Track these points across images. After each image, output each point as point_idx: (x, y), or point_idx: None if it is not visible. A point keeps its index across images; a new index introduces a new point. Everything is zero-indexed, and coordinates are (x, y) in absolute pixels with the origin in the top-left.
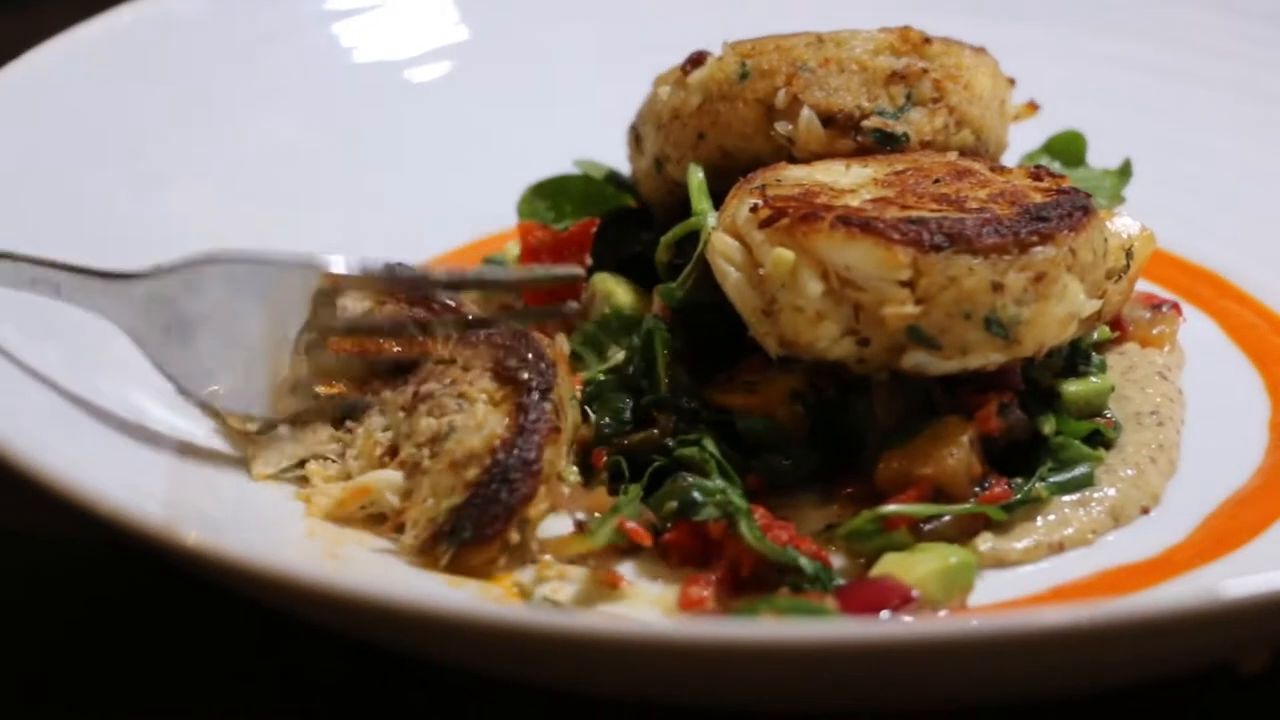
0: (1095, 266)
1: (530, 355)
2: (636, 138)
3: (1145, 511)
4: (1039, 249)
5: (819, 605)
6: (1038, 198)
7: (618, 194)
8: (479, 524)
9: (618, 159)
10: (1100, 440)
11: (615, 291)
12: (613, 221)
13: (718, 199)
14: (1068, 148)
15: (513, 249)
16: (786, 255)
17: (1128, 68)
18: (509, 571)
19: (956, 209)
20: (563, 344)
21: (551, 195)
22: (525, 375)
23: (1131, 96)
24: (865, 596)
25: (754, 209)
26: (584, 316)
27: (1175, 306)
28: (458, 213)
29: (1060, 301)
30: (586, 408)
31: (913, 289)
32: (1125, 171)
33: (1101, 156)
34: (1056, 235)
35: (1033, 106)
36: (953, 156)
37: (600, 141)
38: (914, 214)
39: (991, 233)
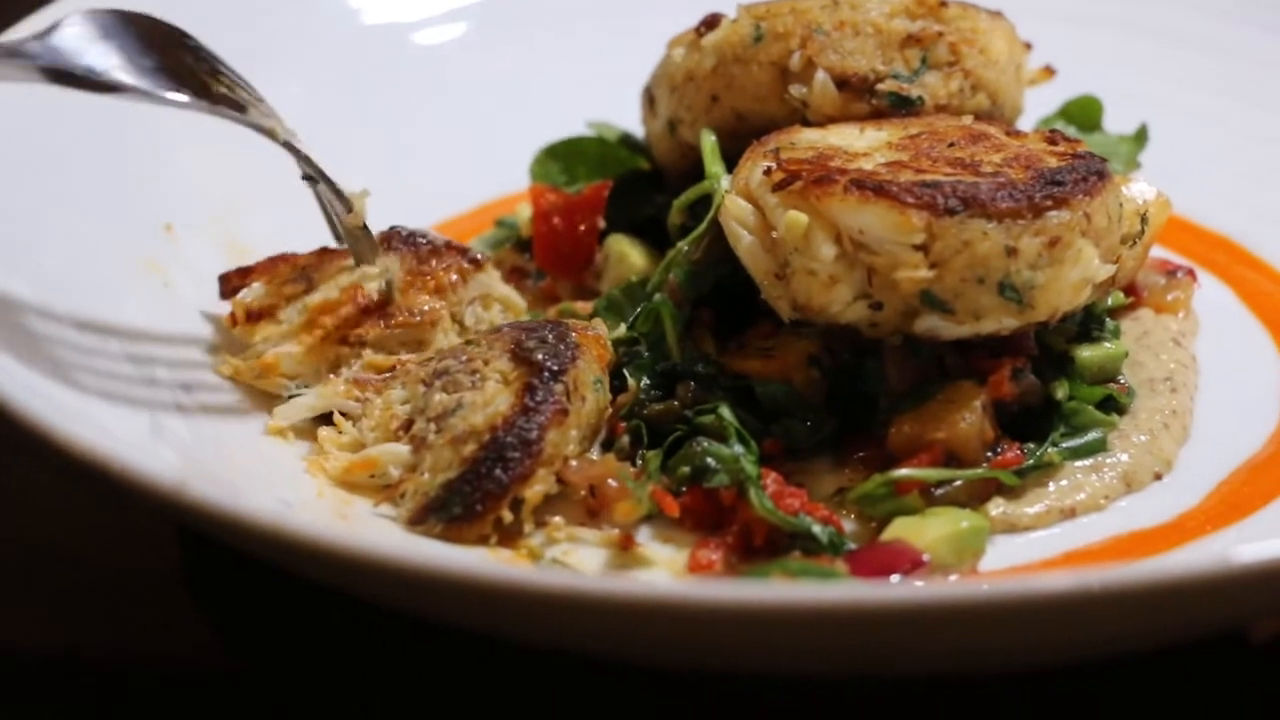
0: (1110, 231)
1: (550, 338)
2: (650, 100)
3: (1158, 477)
4: (1053, 213)
5: (829, 569)
6: (1053, 162)
7: (631, 156)
8: (469, 501)
9: (631, 121)
10: (1114, 406)
11: (629, 253)
12: (626, 184)
13: (731, 162)
14: (1084, 112)
15: (525, 211)
16: (800, 218)
17: (1144, 32)
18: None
19: (971, 173)
20: (602, 330)
21: (564, 157)
22: (539, 356)
23: (1148, 61)
24: (875, 560)
25: (767, 172)
26: (597, 278)
27: (1190, 272)
28: (469, 175)
29: (1074, 266)
30: (625, 370)
31: (926, 253)
32: (1141, 137)
33: (1118, 122)
34: (1071, 200)
35: (1049, 71)
36: (968, 120)
37: (614, 103)
38: (928, 178)
39: (1006, 197)
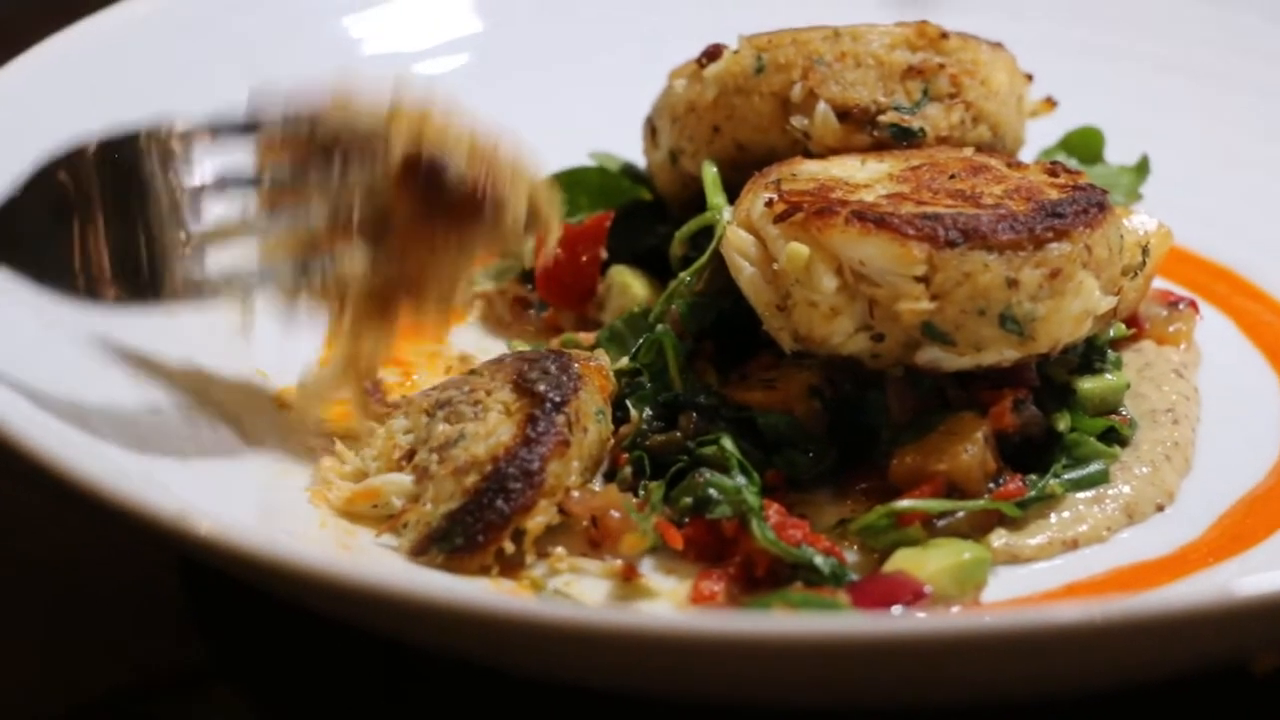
0: (1111, 263)
1: (553, 368)
2: (652, 131)
3: (1160, 509)
4: (1054, 245)
5: (830, 600)
6: (1054, 194)
7: (633, 186)
8: (471, 532)
9: (633, 152)
10: (1115, 437)
11: (632, 284)
12: (628, 214)
13: (732, 193)
14: (1085, 144)
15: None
16: (801, 250)
17: (1145, 64)
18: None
19: (972, 205)
20: (604, 361)
21: (566, 188)
22: (541, 387)
23: (1149, 93)
24: (877, 591)
25: (769, 203)
26: (600, 309)
27: (1192, 304)
28: None
29: (1075, 298)
30: (628, 401)
31: (927, 285)
32: (1143, 168)
33: (1119, 153)
34: (1072, 231)
35: (1050, 103)
36: (969, 152)
37: (616, 134)
38: (929, 209)
39: (1007, 229)
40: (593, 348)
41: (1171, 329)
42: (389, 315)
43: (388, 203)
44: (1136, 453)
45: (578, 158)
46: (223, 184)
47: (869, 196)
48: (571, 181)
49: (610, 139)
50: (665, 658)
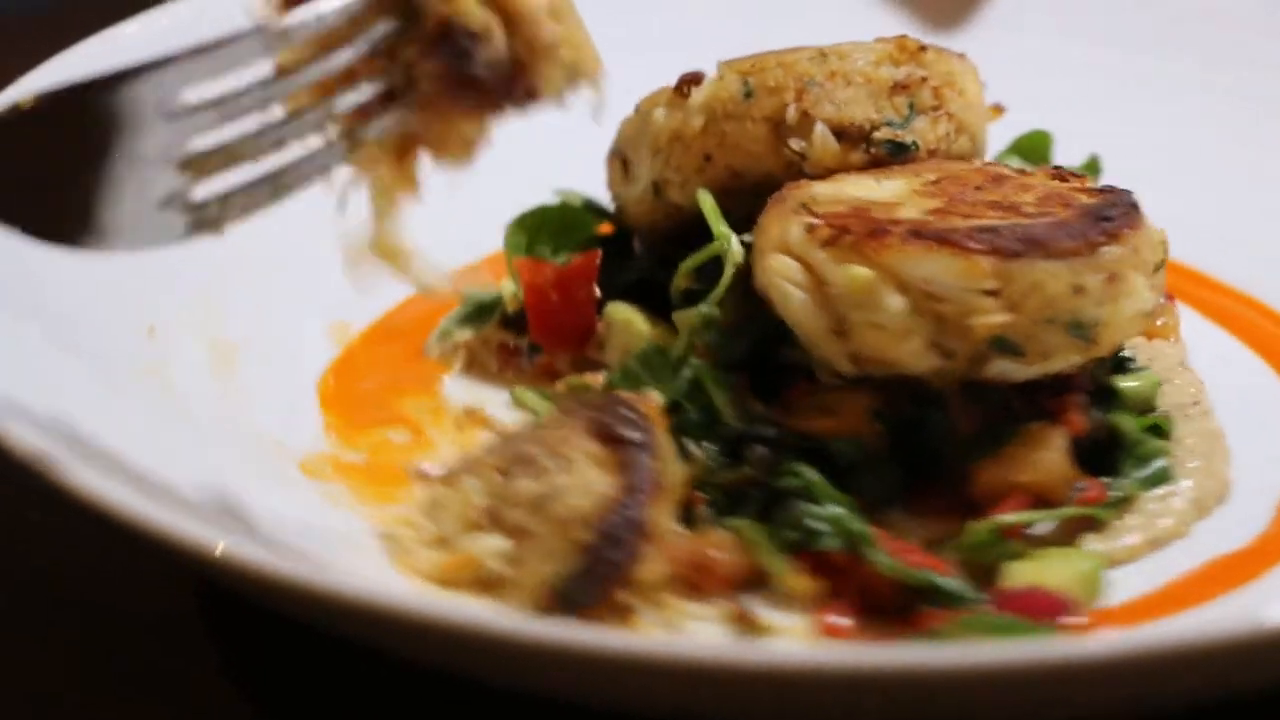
0: (1152, 261)
1: (629, 414)
2: (623, 163)
3: (1221, 499)
4: (1107, 249)
5: (1013, 621)
6: (1083, 198)
7: (595, 221)
8: (591, 588)
9: (592, 186)
10: (1159, 434)
11: (634, 320)
12: (607, 252)
13: (727, 220)
14: (1034, 147)
15: (508, 286)
16: (864, 273)
17: (1086, 64)
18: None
19: (1015, 214)
20: (657, 400)
21: (530, 229)
22: (625, 433)
23: (1089, 94)
24: (1030, 607)
25: (810, 228)
26: (599, 348)
27: (1171, 297)
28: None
29: (1130, 299)
30: (684, 439)
31: (998, 297)
32: (1093, 168)
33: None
34: (1121, 234)
35: (999, 109)
36: (977, 163)
37: (576, 170)
38: (978, 222)
39: (1064, 236)
40: (606, 389)
41: (1159, 323)
42: (407, 161)
43: (412, 72)
44: (1181, 446)
45: (543, 195)
46: (223, 112)
47: (908, 214)
48: (536, 221)
49: (570, 175)
50: (904, 693)
